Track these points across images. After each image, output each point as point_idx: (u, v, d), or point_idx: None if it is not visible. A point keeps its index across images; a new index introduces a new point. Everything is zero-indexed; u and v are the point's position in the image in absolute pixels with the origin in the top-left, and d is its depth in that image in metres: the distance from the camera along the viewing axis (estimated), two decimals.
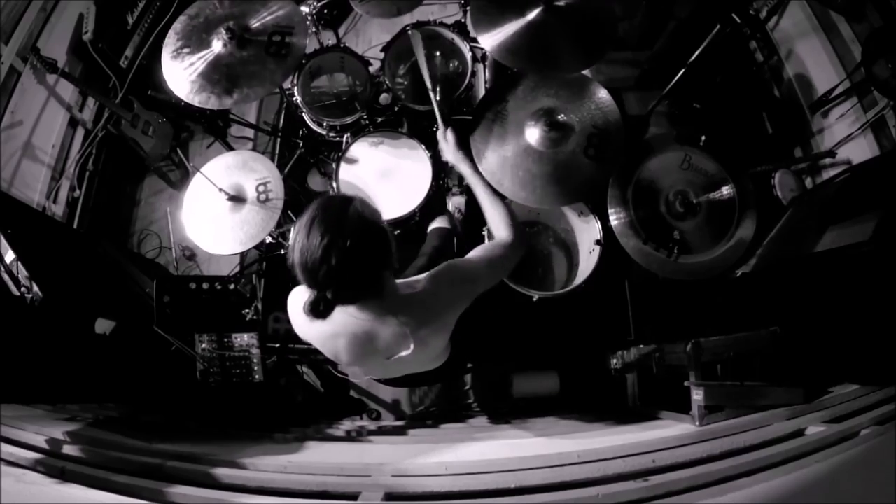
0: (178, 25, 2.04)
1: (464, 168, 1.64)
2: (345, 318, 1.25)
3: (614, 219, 1.99)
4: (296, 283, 1.26)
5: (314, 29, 2.54)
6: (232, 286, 2.15)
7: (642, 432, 1.68)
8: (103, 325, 2.23)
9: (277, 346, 2.22)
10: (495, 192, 1.58)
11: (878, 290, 1.76)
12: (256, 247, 2.19)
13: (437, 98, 1.89)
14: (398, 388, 2.22)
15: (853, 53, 2.54)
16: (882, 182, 2.07)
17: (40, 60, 2.77)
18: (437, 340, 1.42)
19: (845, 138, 2.57)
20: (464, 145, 1.70)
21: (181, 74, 1.95)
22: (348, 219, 1.13)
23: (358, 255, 1.12)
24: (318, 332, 1.32)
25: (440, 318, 1.35)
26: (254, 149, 3.11)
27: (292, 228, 1.17)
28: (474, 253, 1.42)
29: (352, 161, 2.22)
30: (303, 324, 1.34)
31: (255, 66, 1.95)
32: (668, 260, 1.94)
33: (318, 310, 1.16)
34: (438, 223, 2.17)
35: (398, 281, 1.33)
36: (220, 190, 2.03)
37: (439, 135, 1.72)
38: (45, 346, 2.02)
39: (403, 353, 1.33)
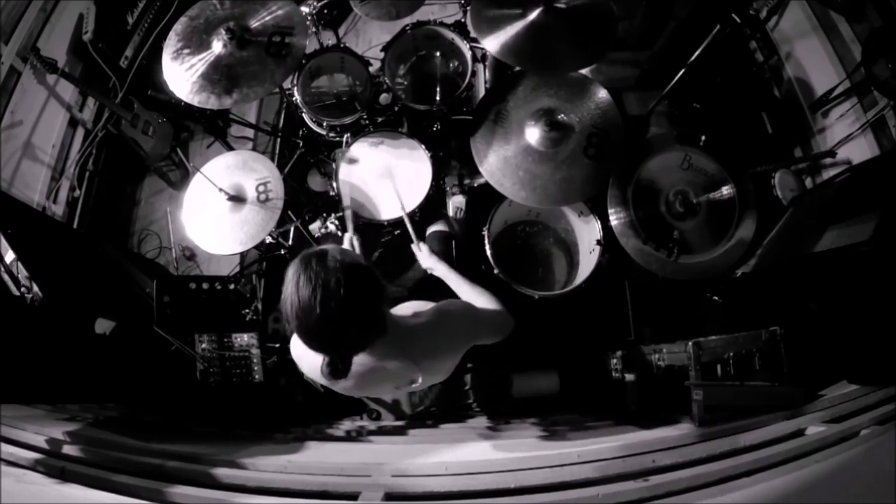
0: (178, 27, 2.04)
1: (441, 269, 1.71)
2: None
3: (614, 219, 1.99)
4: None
5: (314, 29, 2.54)
6: (232, 286, 2.15)
7: (642, 432, 1.67)
8: (103, 325, 2.23)
9: (277, 346, 2.21)
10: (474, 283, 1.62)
11: (877, 290, 1.76)
12: (256, 247, 2.19)
13: (408, 213, 2.00)
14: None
15: (853, 53, 2.54)
16: (882, 182, 2.07)
17: (40, 60, 2.77)
18: (444, 366, 1.44)
19: (845, 138, 2.57)
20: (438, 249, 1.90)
21: (182, 75, 1.95)
22: (331, 269, 1.08)
23: (356, 299, 1.08)
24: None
25: (444, 349, 1.37)
26: (254, 149, 3.11)
27: (286, 283, 1.13)
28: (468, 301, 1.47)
29: (352, 161, 2.22)
30: (313, 370, 1.29)
31: (254, 66, 1.95)
32: (668, 260, 1.94)
33: (339, 370, 1.13)
34: (437, 227, 2.17)
35: (399, 313, 1.34)
36: (220, 190, 2.03)
37: (414, 248, 1.84)
38: (45, 346, 2.02)
39: (415, 386, 1.36)
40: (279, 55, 1.97)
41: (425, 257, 1.78)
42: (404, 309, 1.40)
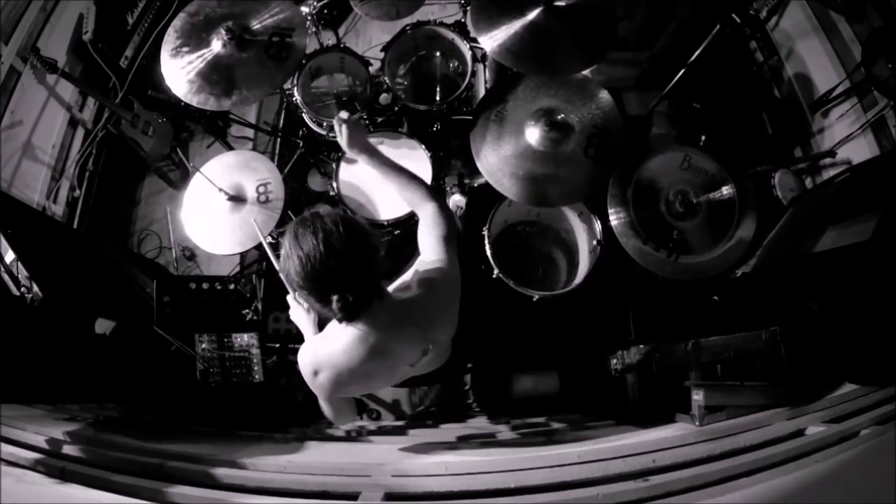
0: (177, 23, 2.03)
1: (364, 159, 1.52)
2: (360, 346, 1.25)
3: (614, 219, 1.99)
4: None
5: (314, 29, 2.54)
6: (232, 286, 2.15)
7: (642, 432, 1.67)
8: (103, 325, 2.23)
9: (277, 346, 2.22)
10: (400, 169, 1.51)
11: (877, 291, 1.76)
12: (256, 247, 2.19)
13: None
14: (398, 388, 2.22)
15: (853, 53, 2.54)
16: (882, 182, 2.07)
17: (40, 60, 2.77)
18: (446, 335, 1.45)
19: (845, 138, 2.57)
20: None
21: (180, 72, 1.95)
22: (327, 218, 1.13)
23: (355, 235, 1.13)
24: (349, 369, 1.29)
25: (441, 312, 1.37)
26: (254, 149, 3.11)
27: (283, 249, 1.16)
28: (427, 243, 1.40)
29: (352, 161, 2.22)
30: (332, 374, 1.30)
31: (254, 67, 1.95)
32: (667, 260, 1.94)
33: (350, 304, 1.13)
34: None
35: (389, 288, 1.35)
36: (220, 190, 2.03)
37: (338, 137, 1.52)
38: (45, 346, 2.02)
39: (426, 358, 1.36)
40: (279, 57, 1.96)
41: (345, 143, 1.53)
42: (389, 287, 1.40)
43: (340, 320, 1.19)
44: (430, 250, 1.39)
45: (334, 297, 1.12)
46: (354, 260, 1.13)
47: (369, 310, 1.20)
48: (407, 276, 1.39)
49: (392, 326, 1.26)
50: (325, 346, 1.29)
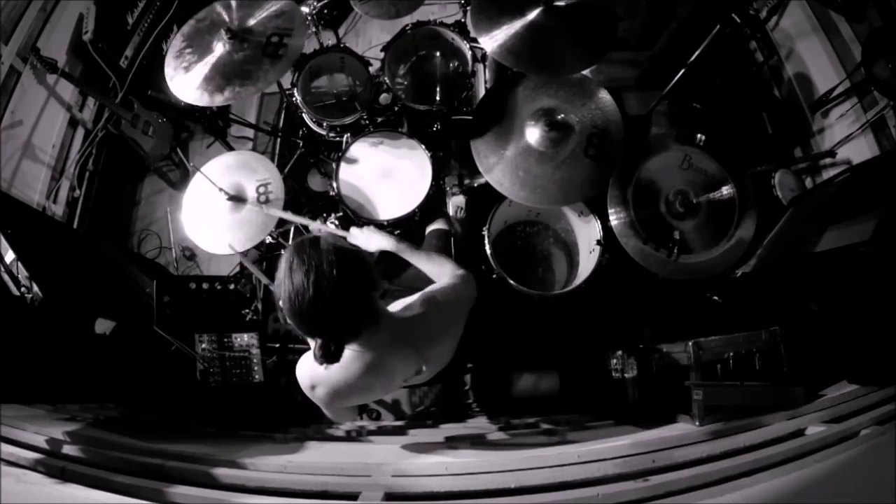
0: (186, 29, 2.04)
1: (390, 244, 1.56)
2: (356, 362, 1.25)
3: (614, 219, 1.99)
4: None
5: (314, 29, 2.54)
6: (232, 286, 2.15)
7: (642, 432, 1.67)
8: (103, 325, 2.22)
9: (277, 346, 2.22)
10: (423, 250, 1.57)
11: (877, 290, 1.76)
12: (256, 247, 2.19)
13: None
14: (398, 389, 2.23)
15: (853, 53, 2.54)
16: (882, 182, 2.07)
17: (40, 60, 2.76)
18: (445, 351, 1.46)
19: (845, 138, 2.57)
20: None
21: (185, 79, 1.95)
22: (324, 251, 1.11)
23: (348, 281, 1.10)
24: (347, 384, 1.30)
25: (441, 336, 1.39)
26: (254, 149, 3.11)
27: (278, 272, 1.16)
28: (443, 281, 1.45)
29: (352, 161, 2.22)
30: (330, 389, 1.31)
31: (249, 65, 1.95)
32: (668, 260, 1.94)
33: (331, 352, 1.13)
34: (436, 225, 2.18)
35: (391, 308, 1.36)
36: (220, 190, 2.03)
37: (350, 238, 1.60)
38: (45, 346, 2.01)
39: (420, 377, 1.39)
40: (275, 55, 1.96)
41: (366, 240, 1.59)
42: (394, 306, 1.41)
43: (320, 363, 1.17)
44: (426, 270, 1.44)
45: (318, 340, 1.13)
46: (343, 306, 1.11)
47: (358, 339, 1.20)
48: (413, 297, 1.39)
49: (389, 344, 1.27)
50: None
